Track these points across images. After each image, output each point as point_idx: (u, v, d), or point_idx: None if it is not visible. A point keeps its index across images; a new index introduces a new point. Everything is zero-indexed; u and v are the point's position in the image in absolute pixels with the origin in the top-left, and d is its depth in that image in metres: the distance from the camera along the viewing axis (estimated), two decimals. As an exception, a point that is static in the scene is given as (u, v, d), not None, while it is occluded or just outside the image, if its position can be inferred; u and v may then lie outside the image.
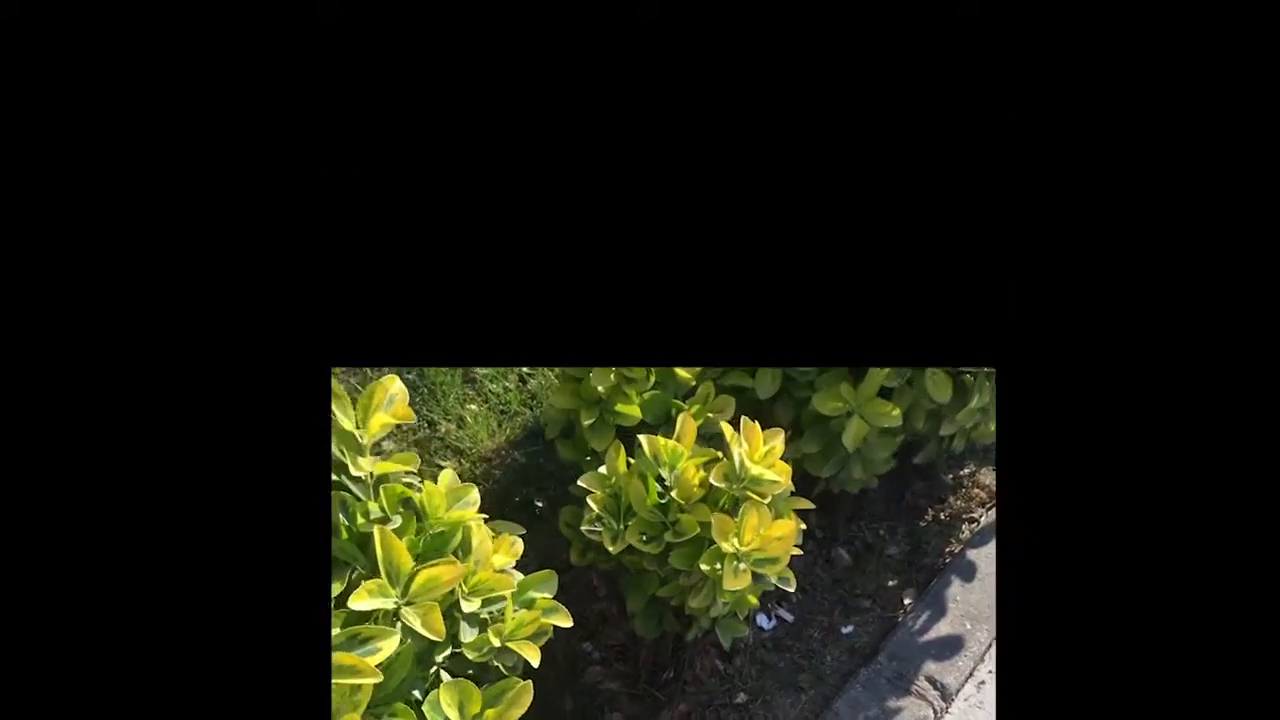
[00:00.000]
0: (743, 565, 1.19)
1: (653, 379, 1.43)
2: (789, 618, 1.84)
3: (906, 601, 1.88)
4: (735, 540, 1.18)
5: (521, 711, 1.01)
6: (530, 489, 2.09)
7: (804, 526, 1.40)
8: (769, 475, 1.21)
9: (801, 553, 1.44)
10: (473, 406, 2.31)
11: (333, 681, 0.80)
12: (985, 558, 1.97)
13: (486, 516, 1.10)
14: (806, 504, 1.36)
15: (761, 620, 1.81)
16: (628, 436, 1.48)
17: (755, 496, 1.22)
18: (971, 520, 2.08)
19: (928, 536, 2.03)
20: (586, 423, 1.40)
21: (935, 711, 1.66)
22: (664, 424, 1.48)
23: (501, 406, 2.33)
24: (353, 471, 0.92)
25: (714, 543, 1.20)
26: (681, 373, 1.47)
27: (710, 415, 1.46)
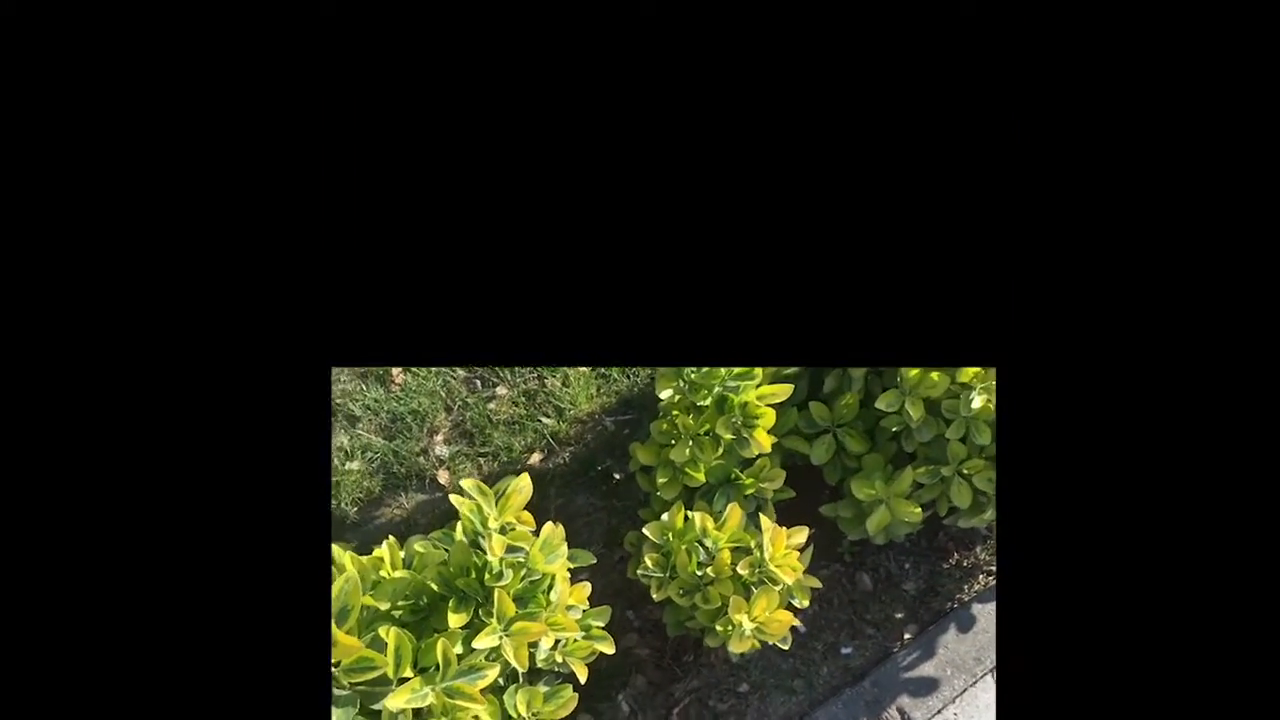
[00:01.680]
0: (749, 634, 1.74)
1: (720, 450, 1.94)
2: (801, 629, 2.40)
3: (906, 637, 2.42)
4: (746, 617, 1.73)
5: (568, 713, 1.61)
6: (613, 461, 2.65)
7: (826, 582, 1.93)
8: (782, 575, 1.73)
9: (831, 570, 1.95)
10: (578, 366, 2.83)
11: (451, 703, 1.38)
12: (986, 614, 2.47)
13: (571, 568, 1.66)
14: (815, 583, 1.89)
15: (777, 625, 2.38)
16: (691, 490, 2.02)
17: (769, 583, 1.75)
18: (989, 574, 2.56)
19: (944, 580, 2.53)
20: (662, 480, 1.94)
21: (895, 738, 2.23)
22: (723, 484, 2.00)
23: (603, 370, 2.85)
24: (490, 556, 1.48)
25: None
26: (753, 449, 1.96)
27: (762, 485, 1.98)
